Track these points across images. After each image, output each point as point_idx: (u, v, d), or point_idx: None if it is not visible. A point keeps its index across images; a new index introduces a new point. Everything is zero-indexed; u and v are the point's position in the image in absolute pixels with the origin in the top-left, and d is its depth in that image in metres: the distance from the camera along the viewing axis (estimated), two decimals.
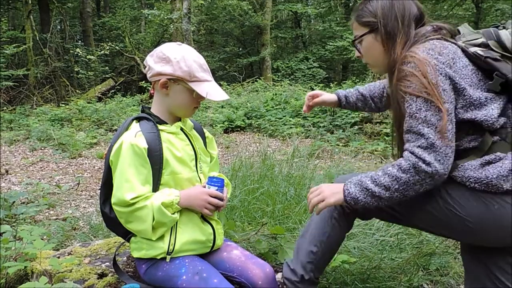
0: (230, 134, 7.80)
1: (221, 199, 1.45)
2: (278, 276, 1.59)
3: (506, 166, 1.19)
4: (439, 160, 1.19)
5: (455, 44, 1.31)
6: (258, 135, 7.34)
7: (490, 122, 1.22)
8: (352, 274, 1.91)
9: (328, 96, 1.77)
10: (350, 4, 17.26)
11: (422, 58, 1.23)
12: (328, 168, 3.99)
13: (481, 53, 1.24)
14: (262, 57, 14.85)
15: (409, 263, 2.05)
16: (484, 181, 1.20)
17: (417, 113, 1.21)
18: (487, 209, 1.21)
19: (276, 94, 9.84)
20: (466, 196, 1.25)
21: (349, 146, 5.82)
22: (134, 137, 1.37)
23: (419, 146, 1.21)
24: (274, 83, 13.30)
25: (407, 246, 2.24)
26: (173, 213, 1.37)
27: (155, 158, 1.38)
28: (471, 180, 1.23)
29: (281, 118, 8.04)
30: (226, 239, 1.64)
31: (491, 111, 1.22)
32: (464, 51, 1.29)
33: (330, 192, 1.36)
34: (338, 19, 17.34)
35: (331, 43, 14.77)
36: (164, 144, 1.41)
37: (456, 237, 1.38)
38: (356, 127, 6.89)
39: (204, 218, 1.50)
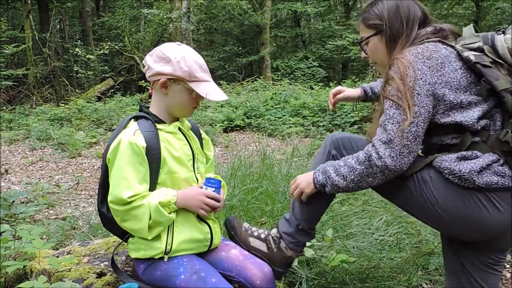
0: (230, 134, 7.80)
1: (217, 200, 1.45)
2: (273, 231, 1.62)
3: (479, 163, 1.23)
4: (392, 156, 1.26)
5: (453, 47, 1.33)
6: (257, 134, 7.33)
7: (470, 123, 1.26)
8: (351, 274, 1.92)
9: (351, 91, 1.89)
10: (350, 3, 17.25)
11: (406, 61, 1.27)
12: None
13: (473, 58, 1.26)
14: (262, 56, 14.83)
15: (408, 263, 2.05)
16: (457, 174, 1.24)
17: (387, 109, 1.30)
18: (461, 202, 1.25)
19: (275, 93, 9.83)
20: (443, 183, 1.29)
21: None
22: (133, 135, 1.37)
23: (380, 140, 1.29)
24: (274, 82, 13.28)
25: (406, 246, 2.24)
26: (170, 213, 1.37)
27: (153, 157, 1.38)
28: (446, 171, 1.27)
29: (280, 118, 8.03)
30: (224, 238, 1.64)
31: (471, 113, 1.26)
32: (459, 55, 1.30)
33: (306, 183, 1.48)
34: (337, 18, 17.32)
35: (330, 42, 14.74)
36: (162, 143, 1.41)
37: (426, 221, 1.41)
38: (356, 126, 6.88)
39: (201, 218, 1.50)
